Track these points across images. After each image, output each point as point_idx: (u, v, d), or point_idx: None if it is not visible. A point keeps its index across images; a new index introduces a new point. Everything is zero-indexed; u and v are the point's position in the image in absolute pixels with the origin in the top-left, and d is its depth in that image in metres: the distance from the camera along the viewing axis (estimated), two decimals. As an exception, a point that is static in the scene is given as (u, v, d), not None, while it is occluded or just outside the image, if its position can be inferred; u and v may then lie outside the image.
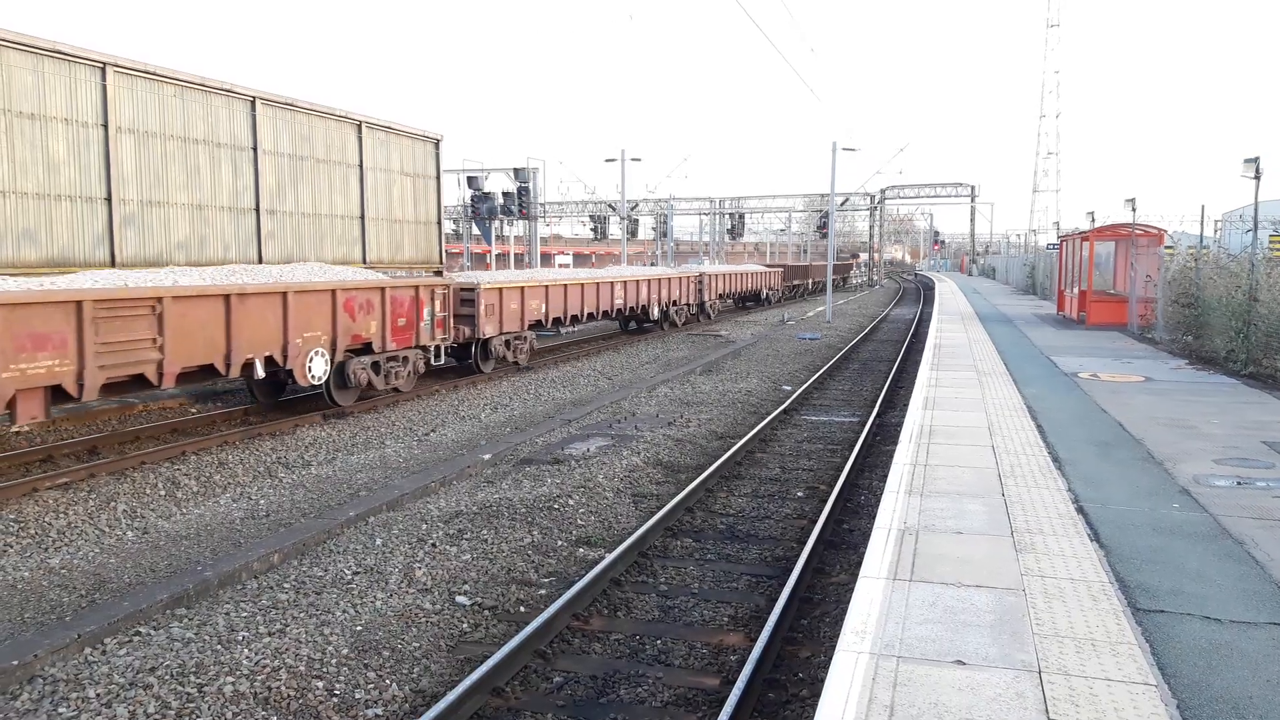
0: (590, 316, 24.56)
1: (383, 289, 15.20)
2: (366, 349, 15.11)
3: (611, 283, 25.84)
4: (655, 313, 29.16)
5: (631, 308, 27.28)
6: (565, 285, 22.86)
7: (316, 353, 13.63)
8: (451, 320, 17.39)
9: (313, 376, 13.57)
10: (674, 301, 30.81)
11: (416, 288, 16.29)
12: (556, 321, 22.68)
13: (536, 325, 21.56)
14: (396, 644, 6.52)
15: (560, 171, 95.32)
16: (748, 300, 44.36)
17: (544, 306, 21.55)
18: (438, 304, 16.82)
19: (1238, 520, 6.74)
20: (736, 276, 40.47)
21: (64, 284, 10.96)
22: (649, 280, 28.62)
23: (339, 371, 14.56)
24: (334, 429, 13.91)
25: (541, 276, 22.56)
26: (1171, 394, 12.68)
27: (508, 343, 20.11)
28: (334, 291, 14.03)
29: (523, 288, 20.46)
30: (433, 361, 17.09)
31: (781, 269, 51.26)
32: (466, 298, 18.55)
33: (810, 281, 60.19)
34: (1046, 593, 5.28)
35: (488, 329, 18.98)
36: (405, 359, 16.13)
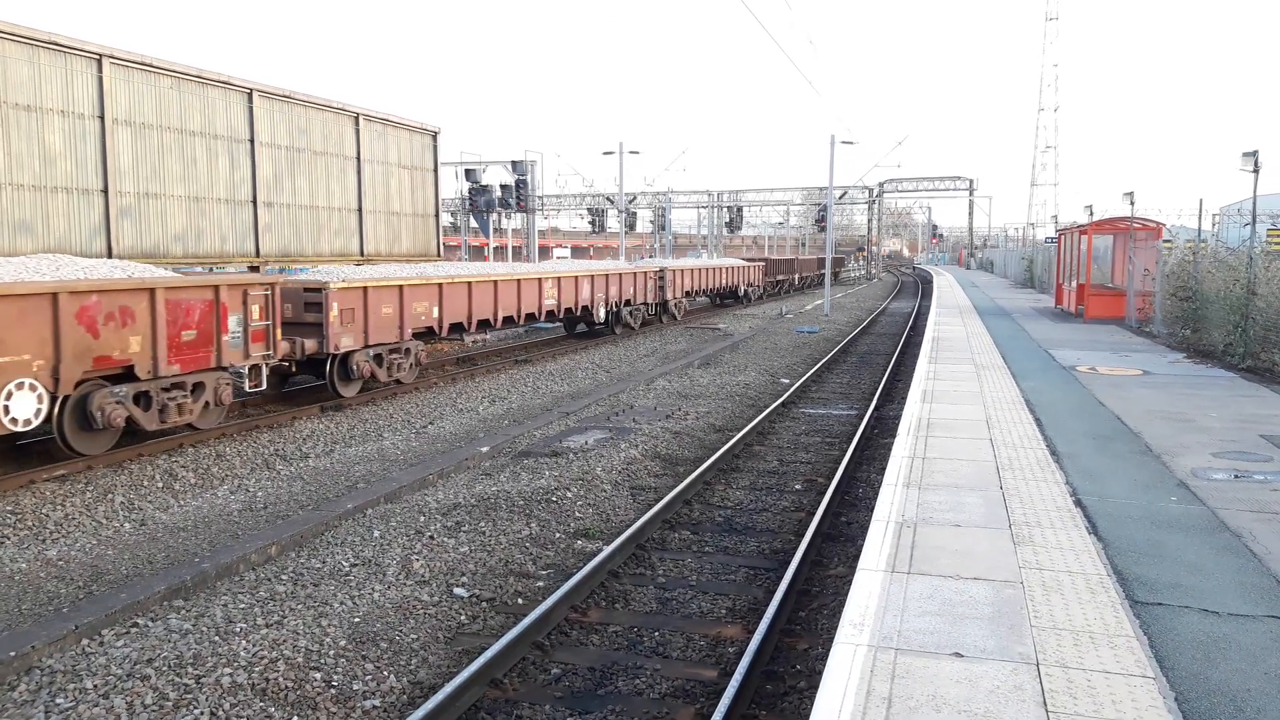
0: (509, 320, 20.06)
1: (150, 290, 11.11)
2: (128, 375, 11.07)
3: (539, 279, 21.18)
4: (601, 314, 24.86)
5: (569, 309, 22.95)
6: (469, 283, 18.30)
7: (19, 385, 9.60)
8: (276, 331, 13.10)
9: (13, 421, 9.57)
10: (627, 301, 26.68)
11: (216, 288, 12.11)
12: (457, 328, 18.35)
13: (427, 334, 17.43)
14: (394, 635, 6.51)
15: (558, 164, 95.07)
16: (726, 298, 40.58)
17: (436, 310, 17.16)
18: (255, 310, 12.70)
19: (1235, 513, 6.74)
20: (708, 271, 35.90)
21: None
22: (593, 276, 24.31)
23: (78, 409, 10.55)
24: (332, 421, 13.90)
25: (434, 273, 18.04)
26: (1169, 387, 12.68)
27: (379, 357, 15.75)
28: (55, 295, 9.95)
29: (401, 287, 16.10)
30: (250, 386, 13.04)
31: (763, 263, 46.57)
32: (312, 301, 14.41)
33: (796, 277, 55.62)
34: (1045, 585, 5.29)
35: (345, 341, 14.75)
36: (199, 386, 12.01)
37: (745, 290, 41.19)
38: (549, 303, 21.72)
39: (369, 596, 7.12)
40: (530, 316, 21.04)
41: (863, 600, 5.07)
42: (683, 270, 32.27)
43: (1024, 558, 5.74)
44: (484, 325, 19.54)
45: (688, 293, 32.91)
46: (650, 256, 63.49)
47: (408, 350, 16.63)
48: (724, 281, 37.97)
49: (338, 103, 23.78)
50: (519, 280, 20.33)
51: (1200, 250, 18.91)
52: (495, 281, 19.34)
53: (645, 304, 28.31)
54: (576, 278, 23.36)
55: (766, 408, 14.91)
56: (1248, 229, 17.52)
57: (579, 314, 23.84)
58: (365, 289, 15.25)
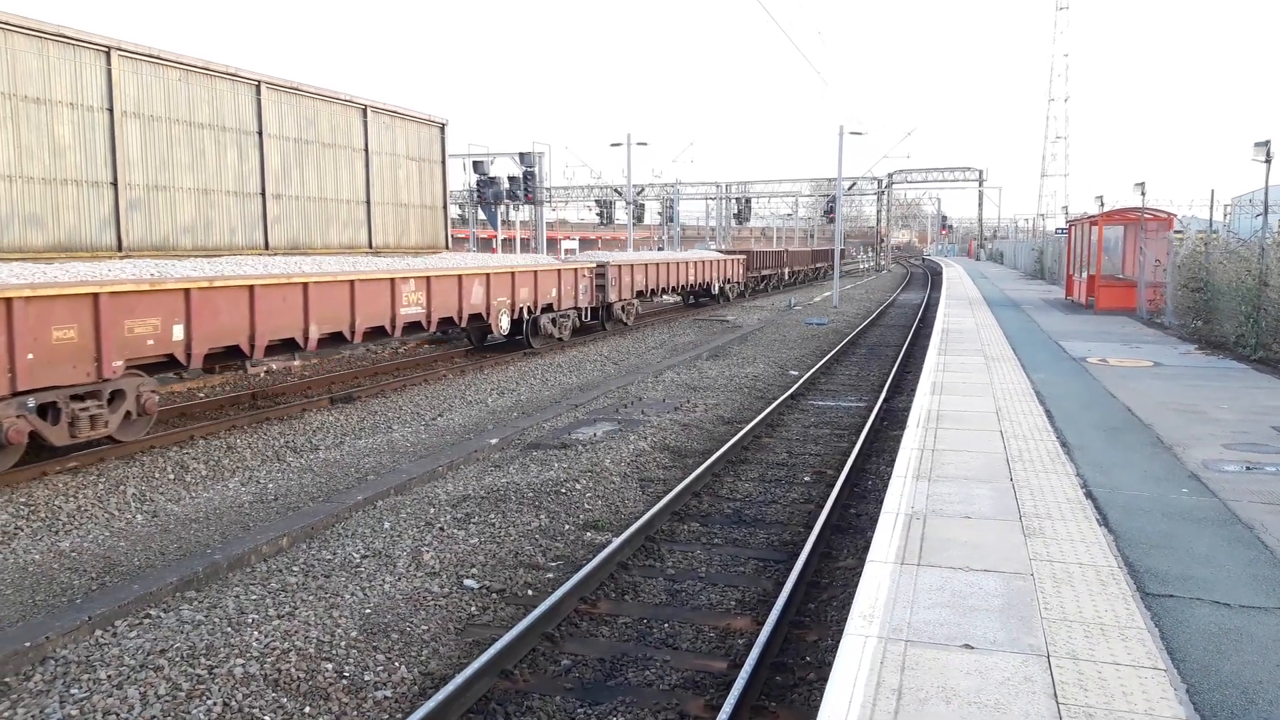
0: (336, 339, 14.44)
1: None
2: None
3: (390, 280, 15.32)
4: (504, 323, 19.11)
5: (447, 318, 17.26)
6: (251, 288, 12.43)
7: None
8: None
9: None
10: (548, 305, 21.22)
11: None
12: (229, 354, 12.61)
13: (168, 364, 11.74)
14: (405, 627, 6.54)
15: (566, 156, 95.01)
16: (701, 296, 35.26)
17: (182, 329, 11.46)
18: None
19: (1247, 505, 6.72)
20: (668, 267, 29.31)
21: None
22: (488, 275, 18.46)
23: None
24: (341, 414, 13.94)
25: (181, 272, 12.04)
26: (1180, 379, 12.63)
27: (49, 408, 10.02)
28: None
29: (95, 295, 10.25)
30: None
31: (744, 256, 40.10)
32: None
33: (786, 271, 49.11)
34: (1055, 577, 5.28)
35: None
36: None
37: (721, 287, 35.55)
38: (410, 311, 15.99)
39: (380, 588, 7.15)
40: (377, 331, 15.42)
41: (872, 592, 5.07)
42: (632, 266, 26.37)
43: (1034, 549, 5.73)
44: (285, 347, 13.59)
45: (640, 292, 27.12)
46: (659, 248, 63.27)
47: (118, 394, 10.82)
48: (690, 278, 31.68)
49: (345, 94, 23.79)
50: (353, 282, 14.41)
51: (1212, 241, 18.80)
52: (305, 285, 13.27)
53: (577, 309, 22.88)
54: (460, 277, 17.42)
55: (775, 400, 14.89)
56: (1259, 220, 17.41)
57: (463, 324, 18.02)
58: (8, 301, 9.25)
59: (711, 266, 34.30)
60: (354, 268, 15.39)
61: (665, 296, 32.51)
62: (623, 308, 25.95)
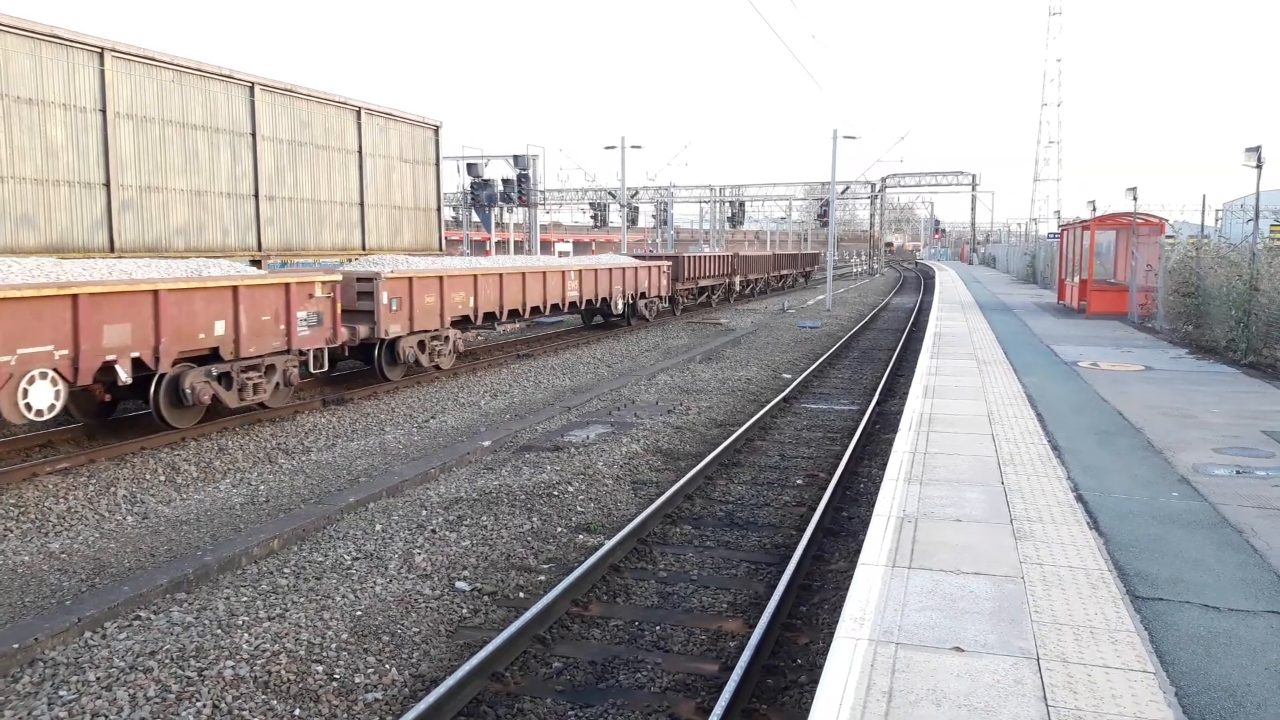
0: None
1: None
2: None
3: None
4: (40, 399, 9.57)
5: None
6: None
7: None
8: None
9: None
10: (209, 353, 11.93)
11: None
12: None
13: None
14: (396, 629, 6.53)
15: (560, 159, 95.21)
16: (610, 316, 26.44)
17: None
18: None
19: (1237, 509, 6.74)
20: (523, 279, 19.81)
21: None
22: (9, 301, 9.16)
23: None
24: (334, 416, 13.91)
25: None
26: (1171, 383, 12.67)
27: None
28: None
29: None
30: None
31: (669, 261, 30.59)
32: None
33: (735, 280, 38.35)
34: (1045, 580, 5.29)
35: None
36: None
37: (631, 303, 26.88)
38: None
39: (371, 590, 7.14)
40: None
41: (863, 595, 5.07)
42: (441, 279, 16.99)
43: (1025, 553, 5.74)
44: None
45: (466, 319, 18.13)
46: (652, 250, 63.13)
47: None
48: (572, 293, 22.42)
49: (340, 97, 23.76)
50: None
51: (1203, 246, 18.88)
52: None
53: (296, 353, 13.46)
54: (33, 300, 9.41)
55: (768, 403, 14.90)
56: (1250, 225, 17.50)
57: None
58: None
59: (613, 276, 24.71)
60: None
61: (508, 324, 23.10)
62: (421, 344, 16.79)
